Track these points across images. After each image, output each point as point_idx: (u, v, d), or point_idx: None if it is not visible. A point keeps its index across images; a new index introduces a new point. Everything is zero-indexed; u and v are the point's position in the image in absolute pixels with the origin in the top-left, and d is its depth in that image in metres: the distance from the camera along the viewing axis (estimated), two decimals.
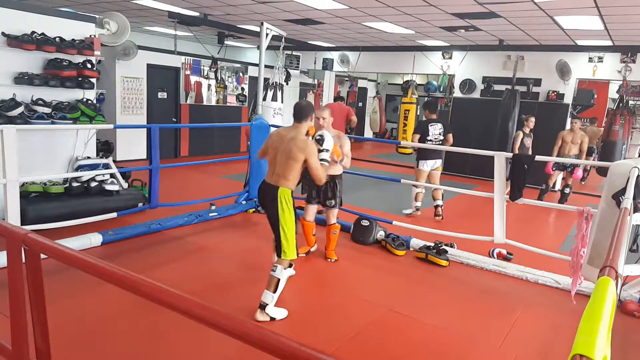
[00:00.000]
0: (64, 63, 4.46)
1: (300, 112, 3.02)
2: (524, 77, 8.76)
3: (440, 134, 5.76)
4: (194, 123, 9.18)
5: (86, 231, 3.98)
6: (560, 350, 2.79)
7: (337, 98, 8.84)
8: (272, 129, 5.56)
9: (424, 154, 5.67)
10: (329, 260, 4.04)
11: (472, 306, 3.39)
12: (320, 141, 3.13)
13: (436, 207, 5.63)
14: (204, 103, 9.56)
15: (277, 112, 6.46)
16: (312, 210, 4.07)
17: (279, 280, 2.88)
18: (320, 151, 3.06)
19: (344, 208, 5.12)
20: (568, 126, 7.88)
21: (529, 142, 7.00)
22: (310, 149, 2.91)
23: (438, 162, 5.69)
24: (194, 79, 9.30)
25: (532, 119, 6.96)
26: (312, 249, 4.23)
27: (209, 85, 9.63)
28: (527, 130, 6.99)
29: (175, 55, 8.89)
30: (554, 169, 6.95)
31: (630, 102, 8.78)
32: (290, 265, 3.10)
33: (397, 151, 9.09)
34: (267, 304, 2.85)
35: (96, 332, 2.66)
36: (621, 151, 7.41)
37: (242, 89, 10.40)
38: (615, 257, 1.34)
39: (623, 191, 2.77)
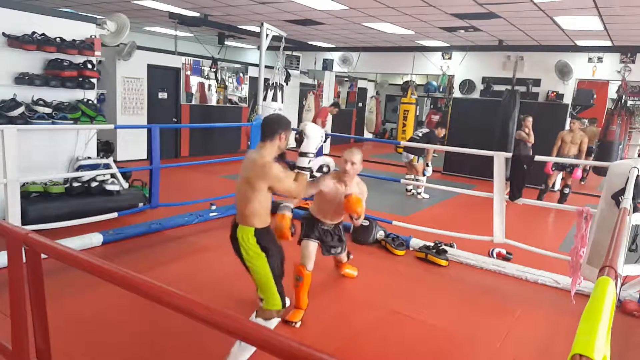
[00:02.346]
0: (65, 63, 4.47)
1: (265, 128, 2.41)
2: (523, 78, 8.77)
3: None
4: (194, 123, 9.19)
5: (87, 231, 3.98)
6: (560, 350, 2.79)
7: (335, 104, 8.90)
8: None
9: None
10: (344, 272, 3.63)
11: (472, 306, 3.39)
12: (299, 140, 2.49)
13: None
14: (208, 104, 9.58)
15: (277, 113, 6.47)
16: (312, 249, 3.05)
17: None
18: (300, 155, 2.43)
19: None
20: (567, 126, 7.89)
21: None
22: (272, 173, 2.26)
23: (410, 156, 6.89)
24: (196, 79, 9.31)
25: (529, 118, 7.02)
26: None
27: (209, 85, 9.63)
28: (526, 131, 7.03)
29: (176, 56, 8.89)
30: (553, 169, 6.97)
31: (630, 102, 8.78)
32: (275, 316, 2.40)
33: (396, 151, 9.11)
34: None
35: (96, 332, 2.66)
36: (618, 151, 7.42)
37: (238, 88, 10.41)
38: (614, 257, 1.35)
39: (622, 191, 2.78)
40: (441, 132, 7.17)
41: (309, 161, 2.47)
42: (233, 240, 2.42)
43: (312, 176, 2.74)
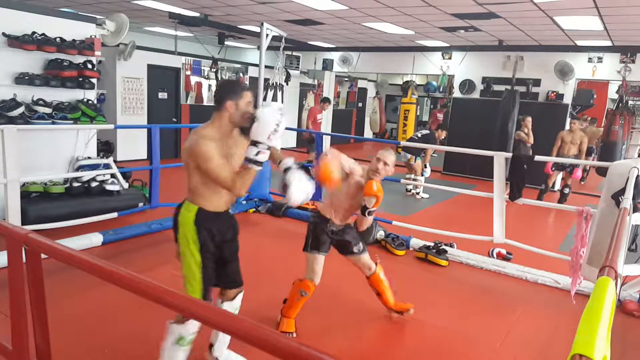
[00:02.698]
0: (65, 63, 4.47)
1: (216, 97, 2.02)
2: (523, 78, 8.76)
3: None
4: (194, 123, 9.18)
5: (87, 231, 3.98)
6: (560, 350, 2.79)
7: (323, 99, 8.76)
8: None
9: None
10: (399, 314, 3.02)
11: (472, 306, 3.39)
12: (245, 129, 1.99)
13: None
14: (204, 103, 9.57)
15: None
16: (321, 264, 2.80)
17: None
18: (251, 144, 1.91)
19: None
20: (567, 126, 7.89)
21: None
22: (200, 149, 1.88)
23: (408, 156, 6.93)
24: (194, 79, 9.31)
25: (529, 119, 7.03)
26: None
27: (210, 85, 9.63)
28: (525, 131, 7.04)
29: (176, 56, 8.89)
30: (553, 169, 6.97)
31: (630, 102, 8.78)
32: (184, 321, 2.00)
33: (396, 151, 9.10)
34: None
35: (97, 331, 2.66)
36: (621, 151, 7.42)
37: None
38: (614, 257, 1.35)
39: (622, 191, 2.77)
40: (442, 134, 7.21)
41: (258, 152, 1.89)
42: (175, 218, 2.06)
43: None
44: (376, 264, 2.94)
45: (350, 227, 2.88)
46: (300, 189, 2.02)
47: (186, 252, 2.02)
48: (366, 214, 2.65)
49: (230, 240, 2.19)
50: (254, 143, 1.91)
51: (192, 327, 2.05)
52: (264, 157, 1.91)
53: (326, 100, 8.63)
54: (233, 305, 2.28)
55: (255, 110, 1.98)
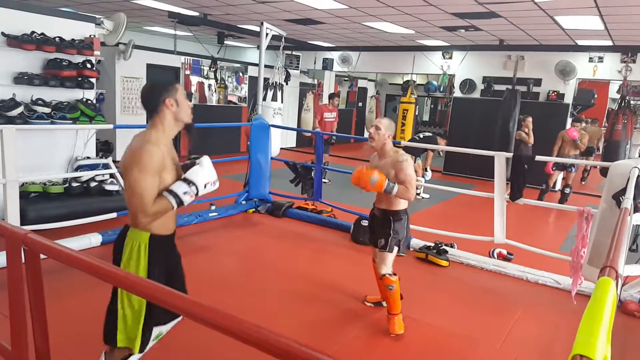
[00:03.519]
0: (64, 63, 4.46)
1: (143, 102, 1.82)
2: (524, 77, 8.76)
3: None
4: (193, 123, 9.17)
5: (86, 231, 3.98)
6: (561, 350, 2.79)
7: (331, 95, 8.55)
8: (272, 130, 5.57)
9: None
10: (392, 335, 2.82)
11: (472, 306, 3.38)
12: (186, 167, 1.89)
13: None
14: (207, 103, 9.57)
15: (277, 112, 6.46)
16: (375, 253, 2.97)
17: None
18: (184, 181, 1.77)
19: (343, 208, 5.14)
20: (568, 126, 7.88)
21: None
22: (144, 154, 1.68)
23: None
24: (195, 79, 9.30)
25: (529, 119, 7.02)
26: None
27: (209, 85, 9.63)
28: (526, 131, 7.02)
29: (175, 55, 8.88)
30: (554, 168, 6.96)
31: (632, 102, 8.77)
32: (126, 356, 1.79)
33: None
34: None
35: (96, 332, 2.64)
36: (625, 151, 7.41)
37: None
38: (615, 257, 1.34)
39: (623, 191, 2.77)
40: (441, 142, 7.06)
41: (186, 192, 1.75)
42: (116, 249, 1.87)
43: None
44: (394, 274, 2.85)
45: (388, 218, 2.83)
46: (210, 169, 1.85)
47: (131, 267, 1.79)
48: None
49: (179, 265, 1.95)
50: (187, 181, 1.77)
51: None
52: (188, 200, 1.76)
53: (333, 95, 8.39)
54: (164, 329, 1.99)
55: (201, 158, 1.87)
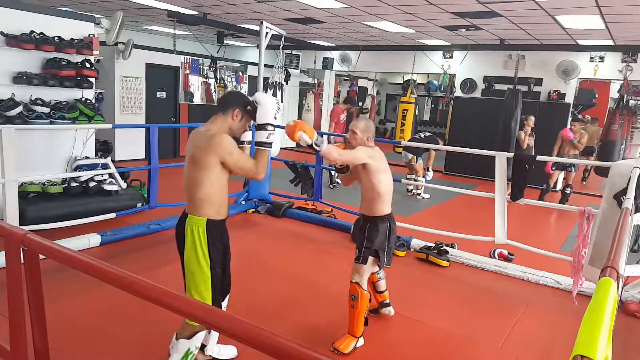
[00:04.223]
0: (63, 62, 4.45)
1: (220, 101, 2.17)
2: (525, 77, 8.75)
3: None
4: (193, 122, 9.17)
5: (85, 231, 3.97)
6: (562, 351, 2.78)
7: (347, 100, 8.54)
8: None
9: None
10: (333, 350, 2.57)
11: (473, 307, 3.38)
12: (251, 112, 2.08)
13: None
14: (214, 103, 9.56)
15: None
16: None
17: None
18: (258, 128, 2.07)
19: (344, 208, 5.13)
20: (568, 126, 7.88)
21: (531, 141, 7.02)
22: (223, 144, 1.96)
23: (409, 156, 6.87)
24: (195, 79, 9.29)
25: (532, 118, 6.99)
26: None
27: (214, 85, 9.62)
28: (528, 130, 7.00)
29: (175, 55, 8.87)
30: (553, 168, 6.95)
31: (632, 101, 8.77)
32: (198, 331, 2.05)
33: (394, 151, 9.10)
34: None
35: (95, 333, 2.65)
36: (620, 151, 7.41)
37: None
38: (616, 257, 1.34)
39: (624, 191, 2.76)
40: (439, 142, 7.22)
41: (269, 135, 2.07)
42: (178, 234, 2.07)
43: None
44: (361, 293, 2.57)
45: (364, 225, 2.68)
46: (269, 101, 2.09)
47: (196, 270, 2.02)
48: (313, 147, 2.38)
49: (228, 245, 2.23)
50: (261, 127, 2.06)
51: (198, 340, 2.08)
52: (273, 137, 2.09)
53: (350, 101, 8.39)
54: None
55: (254, 97, 2.10)
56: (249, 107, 2.09)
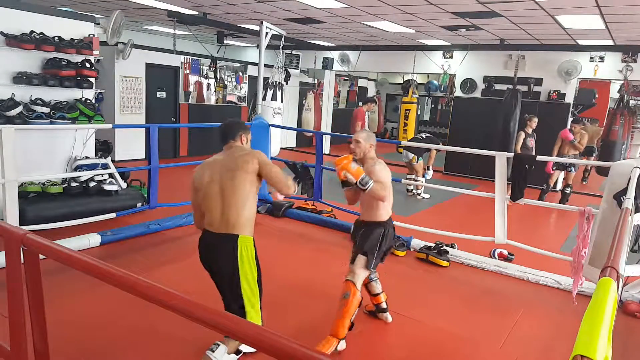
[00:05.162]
0: (63, 62, 4.45)
1: (227, 131, 2.35)
2: (525, 77, 8.75)
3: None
4: (193, 123, 9.18)
5: (85, 231, 3.97)
6: (562, 351, 2.78)
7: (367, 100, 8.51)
8: (272, 129, 5.55)
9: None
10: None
11: (473, 307, 3.38)
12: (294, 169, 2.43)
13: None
14: (205, 103, 9.56)
15: (276, 112, 6.45)
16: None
17: None
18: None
19: (344, 208, 5.12)
20: (568, 126, 7.87)
21: (531, 142, 6.99)
22: (263, 155, 2.29)
23: (410, 155, 6.91)
24: (194, 78, 9.28)
25: (535, 119, 6.96)
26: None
27: (209, 84, 9.61)
28: (529, 131, 6.97)
29: (174, 55, 8.87)
30: (554, 168, 6.95)
31: (632, 101, 8.76)
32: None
33: (397, 151, 9.09)
34: None
35: (95, 332, 2.65)
36: (621, 151, 7.41)
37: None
38: (616, 257, 1.34)
39: (624, 191, 2.76)
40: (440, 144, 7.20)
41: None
42: (219, 257, 2.19)
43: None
44: (353, 292, 2.57)
45: (360, 229, 2.76)
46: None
47: (254, 286, 2.23)
48: (358, 186, 2.54)
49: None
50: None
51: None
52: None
53: (371, 100, 8.36)
54: None
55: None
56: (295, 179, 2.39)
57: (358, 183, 2.49)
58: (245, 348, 2.39)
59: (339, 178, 2.57)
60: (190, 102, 9.24)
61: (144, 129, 7.80)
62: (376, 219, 2.72)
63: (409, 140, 7.74)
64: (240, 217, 2.18)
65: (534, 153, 6.84)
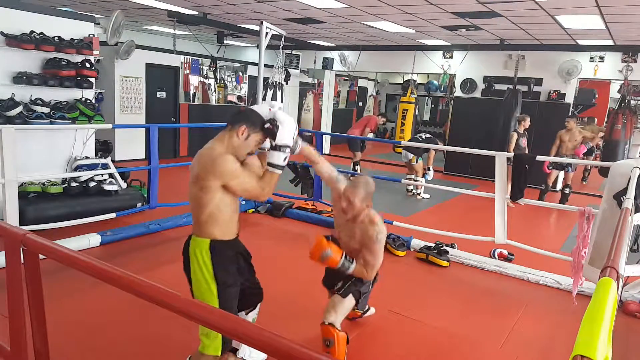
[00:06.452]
0: (63, 62, 4.45)
1: (236, 116, 1.95)
2: (525, 77, 8.75)
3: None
4: (193, 123, 9.18)
5: (85, 231, 3.97)
6: (562, 351, 2.78)
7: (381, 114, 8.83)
8: None
9: None
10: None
11: (473, 307, 3.37)
12: (270, 130, 1.91)
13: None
14: (210, 103, 9.55)
15: None
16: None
17: None
18: (273, 148, 1.93)
19: None
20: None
21: (524, 142, 6.95)
22: (226, 167, 1.81)
23: (409, 155, 6.88)
24: (196, 79, 9.28)
25: (528, 119, 6.96)
26: None
27: (209, 84, 9.61)
28: (521, 130, 6.95)
29: (174, 55, 8.87)
30: (550, 167, 6.93)
31: (632, 102, 8.76)
32: None
33: (394, 150, 9.09)
34: None
35: (95, 332, 2.65)
36: (624, 151, 7.40)
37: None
38: (616, 257, 1.34)
39: (624, 191, 2.76)
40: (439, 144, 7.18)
41: (285, 158, 1.94)
42: (184, 256, 1.98)
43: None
44: (337, 336, 2.28)
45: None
46: (290, 121, 1.96)
47: (205, 291, 1.90)
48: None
49: (248, 262, 2.13)
50: (278, 147, 1.91)
51: None
52: (287, 160, 1.96)
53: (386, 116, 8.59)
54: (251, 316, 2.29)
55: (274, 114, 1.95)
56: (267, 126, 1.91)
57: (339, 268, 2.22)
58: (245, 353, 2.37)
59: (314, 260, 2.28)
60: (195, 102, 9.23)
61: (144, 129, 7.80)
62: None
63: (408, 140, 7.74)
64: (198, 218, 1.91)
65: (527, 153, 6.83)
